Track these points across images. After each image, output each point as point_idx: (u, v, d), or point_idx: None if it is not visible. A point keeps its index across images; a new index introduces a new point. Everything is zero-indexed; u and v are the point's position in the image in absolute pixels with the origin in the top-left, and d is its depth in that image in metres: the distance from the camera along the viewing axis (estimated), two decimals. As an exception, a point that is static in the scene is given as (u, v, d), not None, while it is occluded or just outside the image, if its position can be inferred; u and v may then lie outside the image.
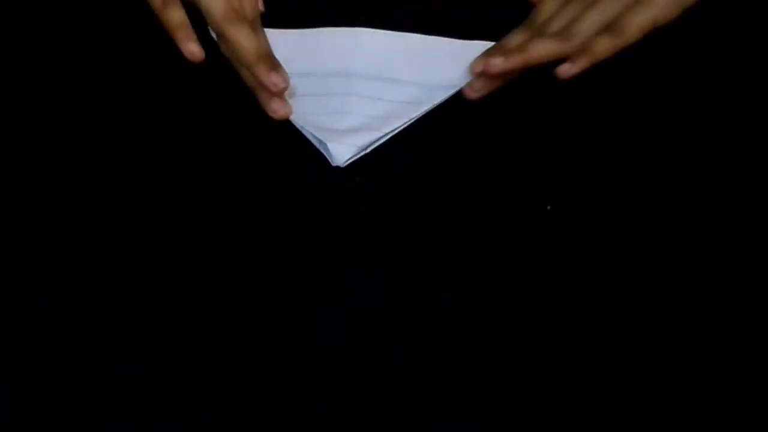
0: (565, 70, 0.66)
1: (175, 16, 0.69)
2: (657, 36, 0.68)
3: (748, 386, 0.58)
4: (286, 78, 0.65)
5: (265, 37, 0.68)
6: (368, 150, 0.66)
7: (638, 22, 0.66)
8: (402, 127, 0.67)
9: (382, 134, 0.67)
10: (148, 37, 0.73)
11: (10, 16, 0.73)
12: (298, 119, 0.67)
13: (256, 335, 0.61)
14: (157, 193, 0.67)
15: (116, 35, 0.73)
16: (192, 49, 0.69)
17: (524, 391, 0.58)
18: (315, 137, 0.67)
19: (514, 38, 0.67)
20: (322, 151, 0.67)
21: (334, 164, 0.66)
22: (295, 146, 0.67)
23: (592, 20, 0.66)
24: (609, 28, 0.66)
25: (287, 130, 0.67)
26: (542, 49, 0.65)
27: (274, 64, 0.65)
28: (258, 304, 0.62)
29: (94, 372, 0.60)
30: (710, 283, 0.61)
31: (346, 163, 0.66)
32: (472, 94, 0.67)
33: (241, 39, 0.66)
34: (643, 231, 0.63)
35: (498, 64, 0.65)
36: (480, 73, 0.65)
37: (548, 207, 0.64)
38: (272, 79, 0.64)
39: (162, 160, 0.68)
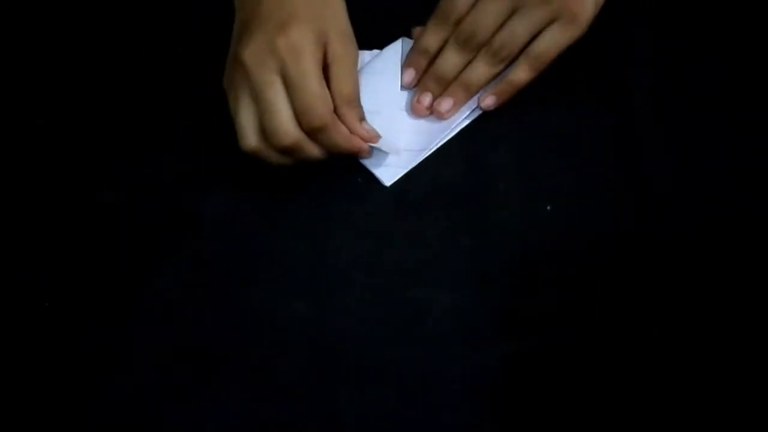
0: (488, 104, 0.67)
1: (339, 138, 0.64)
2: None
3: None
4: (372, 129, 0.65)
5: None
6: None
7: (555, 44, 0.64)
8: (446, 139, 0.68)
9: (429, 151, 0.67)
10: (146, 37, 0.73)
11: (10, 16, 0.74)
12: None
13: (258, 332, 0.62)
14: (157, 192, 0.67)
15: (115, 34, 0.73)
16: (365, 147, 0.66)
17: (519, 397, 0.59)
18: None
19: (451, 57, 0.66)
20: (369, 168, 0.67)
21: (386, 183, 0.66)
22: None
23: (521, 32, 0.64)
24: (526, 53, 0.65)
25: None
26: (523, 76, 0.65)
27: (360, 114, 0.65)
28: (257, 303, 0.63)
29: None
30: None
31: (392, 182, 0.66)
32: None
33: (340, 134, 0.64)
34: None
35: (490, 104, 0.67)
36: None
37: (548, 207, 0.64)
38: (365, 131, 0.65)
39: (162, 158, 0.68)
